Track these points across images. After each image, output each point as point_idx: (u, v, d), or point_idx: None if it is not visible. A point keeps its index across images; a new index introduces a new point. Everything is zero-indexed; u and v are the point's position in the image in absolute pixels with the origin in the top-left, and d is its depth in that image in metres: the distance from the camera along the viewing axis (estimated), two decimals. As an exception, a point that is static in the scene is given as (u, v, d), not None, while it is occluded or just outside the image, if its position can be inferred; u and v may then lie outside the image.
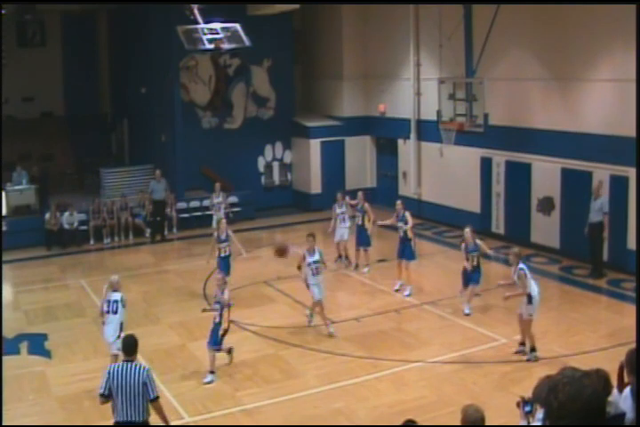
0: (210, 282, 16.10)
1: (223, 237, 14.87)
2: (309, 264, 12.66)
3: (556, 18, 16.42)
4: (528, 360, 11.15)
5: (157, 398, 7.61)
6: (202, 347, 12.32)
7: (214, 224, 18.36)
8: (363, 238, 16.35)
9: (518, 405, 5.00)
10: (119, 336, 10.31)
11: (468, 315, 13.30)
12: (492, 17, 17.86)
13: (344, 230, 16.71)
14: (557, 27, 16.45)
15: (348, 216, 16.69)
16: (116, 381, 7.46)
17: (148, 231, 20.44)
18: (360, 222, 16.33)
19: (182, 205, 21.22)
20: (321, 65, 24.23)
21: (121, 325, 10.79)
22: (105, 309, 10.76)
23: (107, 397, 7.55)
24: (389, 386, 10.60)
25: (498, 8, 17.65)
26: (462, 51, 19.24)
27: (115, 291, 10.83)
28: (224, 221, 15.46)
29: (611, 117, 15.41)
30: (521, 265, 11.23)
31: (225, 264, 14.77)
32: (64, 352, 12.24)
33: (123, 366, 7.58)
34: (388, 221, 15.63)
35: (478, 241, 13.73)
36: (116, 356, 10.39)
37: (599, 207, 15.11)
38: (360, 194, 16.78)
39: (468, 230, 13.56)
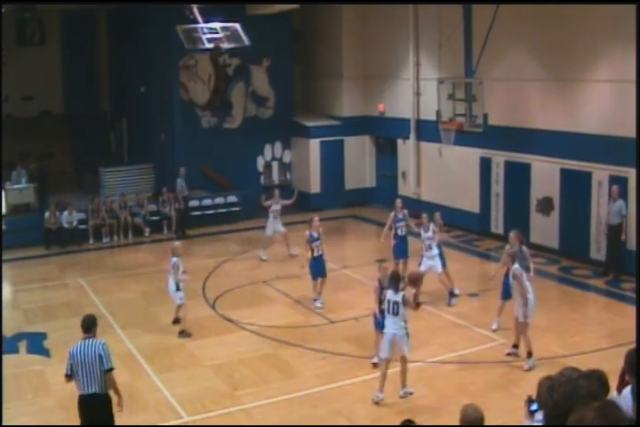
0: (209, 281, 16.12)
1: (316, 234, 14.01)
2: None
3: (556, 18, 16.42)
4: (528, 369, 10.74)
5: (111, 369, 8.12)
6: (201, 346, 12.37)
7: (269, 231, 17.68)
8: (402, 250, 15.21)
9: (526, 403, 4.99)
10: (178, 288, 12.90)
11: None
12: (491, 17, 17.86)
13: (432, 260, 14.07)
14: (557, 27, 16.45)
15: (435, 242, 14.10)
16: (76, 358, 8.04)
17: (147, 231, 20.42)
18: (403, 233, 15.13)
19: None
20: (320, 65, 24.23)
21: (177, 284, 12.88)
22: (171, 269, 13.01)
23: (70, 376, 8.15)
24: (388, 386, 10.58)
25: (497, 8, 17.65)
26: (462, 51, 19.23)
27: (175, 256, 13.00)
28: (317, 218, 14.45)
29: (610, 118, 15.42)
30: (515, 265, 11.03)
31: (318, 265, 13.94)
32: (63, 351, 12.02)
33: (81, 343, 8.15)
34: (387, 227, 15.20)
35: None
36: (179, 306, 13.04)
37: (618, 210, 15.01)
38: (398, 202, 15.60)
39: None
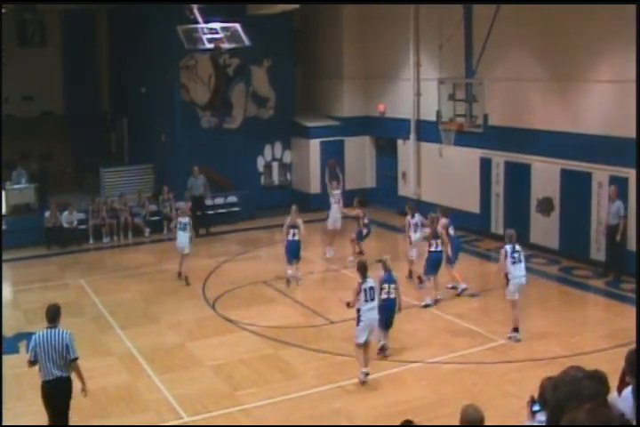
0: (209, 281, 16.13)
1: (292, 222, 15.78)
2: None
3: (556, 18, 16.42)
4: (509, 338, 11.97)
5: (77, 358, 8.57)
6: (201, 346, 12.38)
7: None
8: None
9: (528, 403, 5.00)
10: (191, 240, 15.98)
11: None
12: (491, 17, 17.85)
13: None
14: (557, 27, 16.46)
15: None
16: (41, 346, 8.45)
17: (147, 231, 20.42)
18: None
19: (181, 204, 21.13)
20: (321, 65, 24.22)
21: (190, 238, 15.94)
22: (178, 226, 16.04)
23: (33, 362, 8.55)
24: (388, 386, 10.61)
25: (498, 8, 17.65)
26: (462, 51, 19.23)
27: (185, 216, 16.18)
28: (294, 208, 16.10)
29: (610, 118, 15.42)
30: (505, 247, 12.00)
31: (289, 247, 15.63)
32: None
33: (47, 332, 8.54)
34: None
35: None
36: (185, 255, 15.94)
37: (616, 210, 14.99)
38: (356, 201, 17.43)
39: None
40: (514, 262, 11.89)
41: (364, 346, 10.72)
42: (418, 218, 15.29)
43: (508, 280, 11.96)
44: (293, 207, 15.94)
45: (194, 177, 20.52)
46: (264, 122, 23.36)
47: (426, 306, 13.77)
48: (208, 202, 21.23)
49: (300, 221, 15.59)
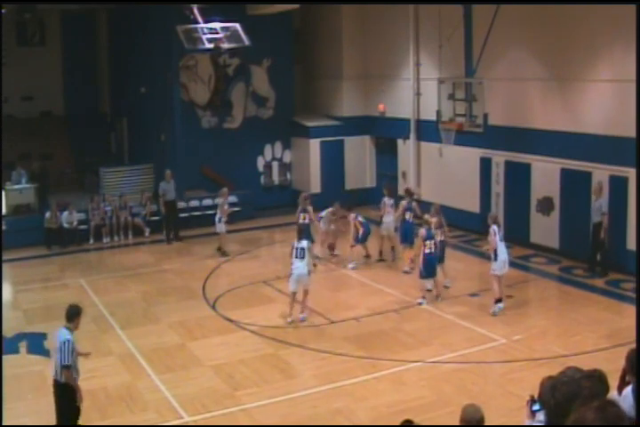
0: (209, 281, 16.13)
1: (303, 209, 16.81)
2: None
3: (556, 18, 16.43)
4: (493, 313, 13.06)
5: (66, 366, 8.42)
6: (201, 346, 12.38)
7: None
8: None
9: (528, 403, 4.99)
10: (220, 221, 18.01)
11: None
12: (491, 17, 17.87)
13: None
14: (557, 27, 16.46)
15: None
16: (53, 342, 8.85)
17: (147, 231, 20.41)
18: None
19: (182, 204, 21.15)
20: (321, 65, 24.22)
21: (220, 218, 17.95)
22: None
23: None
24: (388, 386, 10.61)
25: (498, 8, 17.66)
26: (462, 51, 19.23)
27: (222, 198, 18.20)
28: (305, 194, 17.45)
29: (610, 118, 15.42)
30: (492, 226, 13.25)
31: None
32: (63, 352, 12.21)
33: (59, 330, 8.70)
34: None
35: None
36: (222, 236, 18.21)
37: (598, 207, 15.15)
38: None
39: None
40: (500, 240, 13.26)
41: (294, 295, 13.08)
42: (392, 201, 16.80)
43: (496, 256, 13.15)
44: (303, 195, 17.30)
45: (166, 181, 19.81)
46: (264, 122, 23.38)
47: (445, 287, 14.75)
48: (210, 202, 21.19)
49: (310, 207, 16.70)
